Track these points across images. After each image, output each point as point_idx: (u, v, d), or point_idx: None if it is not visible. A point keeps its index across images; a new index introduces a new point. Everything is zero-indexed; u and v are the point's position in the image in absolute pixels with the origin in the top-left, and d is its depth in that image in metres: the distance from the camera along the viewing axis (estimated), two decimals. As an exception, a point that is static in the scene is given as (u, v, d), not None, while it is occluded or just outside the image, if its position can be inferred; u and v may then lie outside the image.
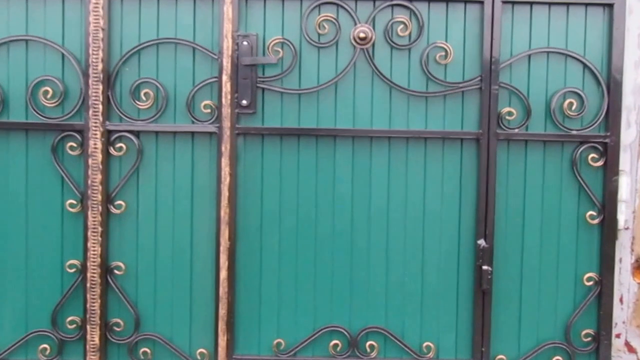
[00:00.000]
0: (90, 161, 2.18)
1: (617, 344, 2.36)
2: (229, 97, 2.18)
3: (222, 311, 2.22)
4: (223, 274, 2.22)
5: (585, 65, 2.21)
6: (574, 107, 2.20)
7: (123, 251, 2.25)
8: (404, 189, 2.25)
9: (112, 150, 2.21)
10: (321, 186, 2.25)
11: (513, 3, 2.18)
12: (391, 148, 2.24)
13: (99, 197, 2.19)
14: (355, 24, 2.18)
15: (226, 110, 2.19)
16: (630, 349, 2.34)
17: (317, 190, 2.25)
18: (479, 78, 2.19)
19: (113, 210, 2.22)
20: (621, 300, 2.33)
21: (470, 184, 2.24)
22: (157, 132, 2.22)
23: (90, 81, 2.17)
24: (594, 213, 2.24)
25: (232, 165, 2.20)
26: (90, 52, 2.16)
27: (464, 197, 2.25)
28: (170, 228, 2.25)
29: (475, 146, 2.23)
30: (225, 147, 2.20)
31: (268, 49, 2.19)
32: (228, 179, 2.20)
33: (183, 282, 2.26)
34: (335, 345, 2.24)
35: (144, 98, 2.20)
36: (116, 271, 2.24)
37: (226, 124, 2.19)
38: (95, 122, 2.19)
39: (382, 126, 2.22)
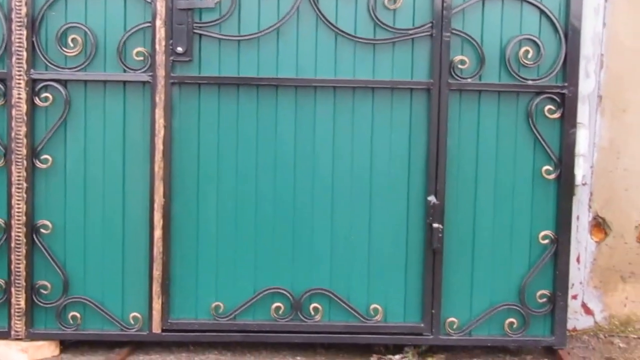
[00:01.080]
0: (14, 112, 2.13)
1: (573, 305, 2.39)
2: (163, 43, 2.15)
3: (157, 272, 2.19)
4: (157, 233, 2.19)
5: (542, 12, 2.18)
6: (530, 56, 2.18)
7: (50, 209, 2.21)
8: (350, 142, 2.23)
9: (37, 101, 2.15)
10: (262, 140, 2.22)
11: None
12: (336, 99, 2.21)
13: (24, 151, 2.14)
14: None
15: (160, 58, 2.15)
16: (587, 311, 2.37)
17: (257, 144, 2.22)
18: (430, 24, 2.17)
19: (39, 165, 2.17)
20: (578, 260, 2.35)
21: (420, 137, 2.22)
22: (85, 82, 2.17)
23: (13, 26, 2.11)
24: (550, 168, 2.23)
25: (166, 117, 2.17)
26: (13, -7, 2.10)
27: (413, 151, 2.23)
28: (100, 184, 2.21)
29: (426, 97, 2.20)
30: (160, 98, 2.16)
31: None
32: (162, 132, 2.17)
33: (115, 242, 2.22)
34: (278, 308, 2.22)
35: (71, 44, 2.15)
36: (43, 230, 2.20)
37: (160, 72, 2.15)
38: (19, 71, 2.13)
39: (327, 75, 2.19)
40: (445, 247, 2.23)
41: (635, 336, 2.35)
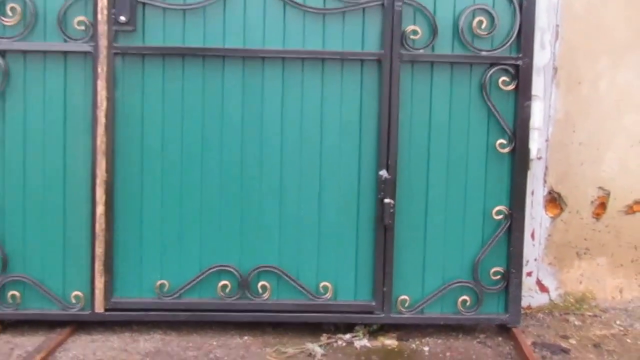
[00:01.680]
0: None
1: (528, 282, 2.40)
2: (105, 12, 2.12)
3: (99, 250, 2.17)
4: (100, 209, 2.17)
5: None
6: (483, 26, 2.19)
7: None
8: (299, 115, 2.23)
9: None
10: (208, 112, 2.22)
11: None
12: (285, 70, 2.21)
13: None
14: None
15: (102, 28, 2.13)
16: (542, 288, 2.37)
17: (204, 116, 2.21)
18: None
19: None
20: (532, 236, 2.36)
21: (371, 109, 2.22)
22: (25, 52, 2.15)
23: None
24: (505, 141, 2.24)
25: (109, 89, 2.15)
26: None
27: (364, 123, 2.23)
28: (40, 159, 2.19)
29: (377, 68, 2.20)
30: (102, 69, 2.14)
31: None
32: (105, 104, 2.15)
33: (55, 219, 2.21)
34: (224, 286, 2.21)
35: (9, 13, 2.13)
36: None
37: (102, 42, 2.13)
38: None
39: (276, 46, 2.19)
40: (397, 223, 2.22)
41: (591, 314, 2.35)
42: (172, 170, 2.22)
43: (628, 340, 2.22)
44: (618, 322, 2.31)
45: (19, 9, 2.11)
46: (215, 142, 2.22)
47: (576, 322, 2.32)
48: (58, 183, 2.19)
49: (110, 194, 2.18)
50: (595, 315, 2.35)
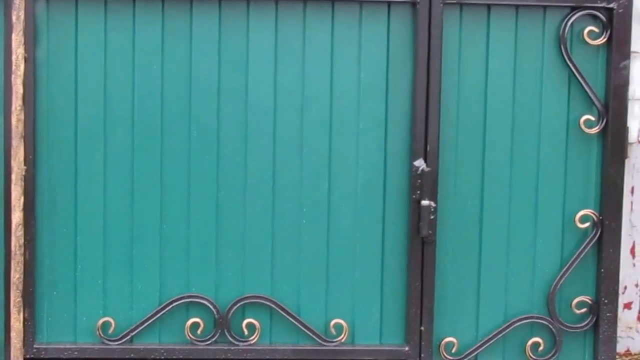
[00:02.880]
0: None
1: (626, 318, 2.14)
2: None
3: (16, 275, 1.86)
4: (16, 216, 1.86)
5: None
6: None
7: None
8: (299, 79, 1.91)
9: None
10: (170, 75, 1.89)
11: None
12: (279, 14, 1.89)
13: None
14: None
15: None
16: None
17: (163, 81, 1.89)
18: None
19: None
20: (632, 252, 2.14)
21: (402, 72, 1.91)
22: None
23: None
24: (592, 117, 1.95)
25: (28, 45, 1.84)
26: None
27: (392, 93, 1.91)
28: None
29: (411, 14, 1.90)
30: (18, 16, 1.82)
31: None
32: (22, 67, 1.83)
33: None
34: (195, 325, 1.89)
35: None
36: None
37: None
38: None
39: None
40: (440, 235, 1.93)
41: None
42: (119, 158, 1.91)
43: None
44: None
45: None
46: (180, 118, 1.92)
47: (693, 374, 1.92)
48: None
49: (31, 195, 1.88)
50: None
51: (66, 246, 1.92)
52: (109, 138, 1.91)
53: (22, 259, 1.86)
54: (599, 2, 1.92)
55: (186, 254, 1.93)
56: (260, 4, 1.89)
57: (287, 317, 1.90)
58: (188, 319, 1.90)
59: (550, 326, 1.96)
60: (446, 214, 1.94)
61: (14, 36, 1.81)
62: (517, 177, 1.96)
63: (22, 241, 1.86)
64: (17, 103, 1.85)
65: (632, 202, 2.11)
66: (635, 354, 2.16)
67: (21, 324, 1.86)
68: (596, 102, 1.93)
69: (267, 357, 1.91)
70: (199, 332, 1.88)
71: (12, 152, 1.83)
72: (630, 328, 2.14)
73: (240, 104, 1.92)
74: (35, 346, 1.89)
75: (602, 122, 1.94)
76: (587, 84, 1.95)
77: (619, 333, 2.01)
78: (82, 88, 1.90)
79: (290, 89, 1.94)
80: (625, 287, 2.14)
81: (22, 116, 1.84)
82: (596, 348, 1.99)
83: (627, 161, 2.02)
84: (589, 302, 1.98)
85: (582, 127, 1.94)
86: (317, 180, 1.94)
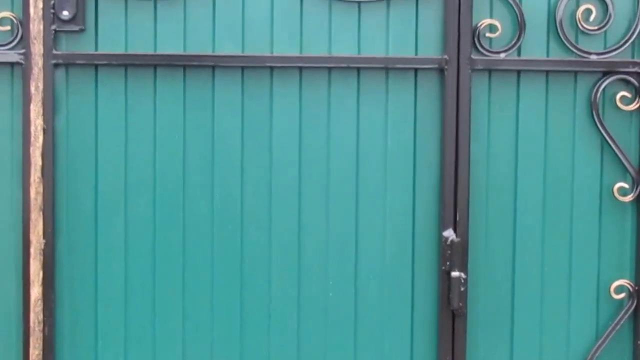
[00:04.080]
0: None
1: None
2: (41, 6, 1.89)
3: (35, 352, 1.89)
4: (35, 291, 1.89)
5: None
6: (592, 18, 1.94)
7: None
8: (324, 149, 1.96)
9: None
10: (192, 146, 1.95)
11: None
12: (303, 84, 1.95)
13: None
14: None
15: (36, 27, 1.89)
16: None
17: (185, 152, 1.95)
18: None
19: None
20: None
21: (430, 140, 1.96)
22: None
23: None
24: (626, 185, 1.99)
25: (47, 116, 1.90)
26: None
27: (420, 162, 1.97)
28: None
29: (439, 80, 1.95)
30: (37, 87, 1.89)
31: None
32: (41, 139, 1.90)
33: None
34: None
35: None
36: None
37: (37, 49, 1.89)
38: None
39: (289, 50, 1.94)
40: (471, 307, 1.94)
41: None
42: (140, 230, 1.96)
43: None
44: None
45: None
46: (202, 189, 1.95)
47: None
48: None
49: (50, 269, 1.91)
50: None
51: (87, 322, 1.96)
52: (129, 210, 1.96)
53: (42, 335, 1.90)
54: (630, 67, 1.95)
55: (210, 329, 1.94)
56: (284, 72, 1.93)
57: (315, 394, 1.91)
58: (212, 398, 1.90)
59: (587, 400, 1.95)
60: (477, 285, 1.95)
61: (32, 107, 1.87)
62: (550, 246, 1.99)
63: (41, 317, 1.89)
64: (35, 175, 1.90)
65: None
66: None
67: (40, 402, 1.89)
68: (630, 169, 1.97)
69: None
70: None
71: (31, 225, 1.88)
72: (668, 401, 2.06)
73: (264, 173, 1.96)
74: None
75: (636, 190, 1.98)
76: (620, 150, 1.97)
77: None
78: (103, 159, 1.95)
79: (315, 157, 1.98)
80: (665, 360, 2.07)
81: (40, 188, 1.89)
82: (635, 420, 1.96)
83: None
84: (626, 375, 1.96)
85: (616, 194, 1.97)
86: (344, 251, 1.97)
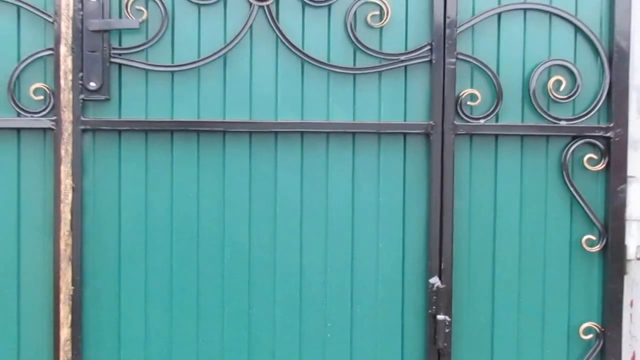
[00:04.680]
0: None
1: None
2: (70, 77, 2.04)
3: None
4: (65, 333, 2.05)
5: (577, 28, 2.12)
6: (562, 88, 2.10)
7: None
8: (323, 206, 2.12)
9: None
10: (205, 204, 2.10)
11: None
12: (305, 148, 2.11)
13: None
14: None
15: (66, 97, 2.03)
16: None
17: (199, 209, 2.10)
18: (429, 47, 2.08)
19: None
20: None
21: (418, 197, 2.12)
22: None
23: None
24: (593, 237, 2.15)
25: (76, 176, 2.05)
26: None
27: (409, 217, 2.13)
28: None
29: (425, 144, 2.11)
30: (66, 150, 2.04)
31: (126, 7, 2.05)
32: (70, 196, 2.05)
33: (8, 346, 2.07)
34: None
35: None
36: None
37: (67, 116, 2.04)
38: None
39: (292, 117, 2.09)
40: (454, 347, 2.11)
41: None
42: (159, 278, 2.10)
43: None
44: None
45: None
46: (214, 243, 2.10)
47: None
48: (10, 299, 2.07)
49: (78, 313, 2.06)
50: None
51: (109, 358, 2.10)
52: (149, 259, 2.09)
53: (71, 315, 2.04)
54: (597, 131, 2.11)
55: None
56: (287, 136, 2.08)
57: None
58: None
59: None
60: (460, 327, 2.11)
61: (62, 168, 2.02)
62: (525, 292, 2.14)
63: (69, 355, 2.04)
64: (65, 229, 2.05)
65: (631, 315, 2.21)
66: None
67: None
68: (596, 223, 2.12)
69: None
70: None
71: (61, 274, 2.02)
72: None
73: (269, 225, 2.09)
74: None
75: (602, 242, 2.13)
76: (587, 206, 2.13)
77: None
78: (125, 214, 2.09)
79: (315, 212, 2.11)
80: (628, 395, 2.25)
81: (69, 241, 2.04)
82: None
83: (626, 277, 2.15)
84: (594, 409, 2.14)
85: (584, 246, 2.12)
86: (341, 297, 2.11)
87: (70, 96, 2.02)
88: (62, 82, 2.01)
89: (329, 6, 2.05)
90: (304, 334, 2.13)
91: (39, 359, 2.07)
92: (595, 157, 2.13)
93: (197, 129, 2.06)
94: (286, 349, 2.12)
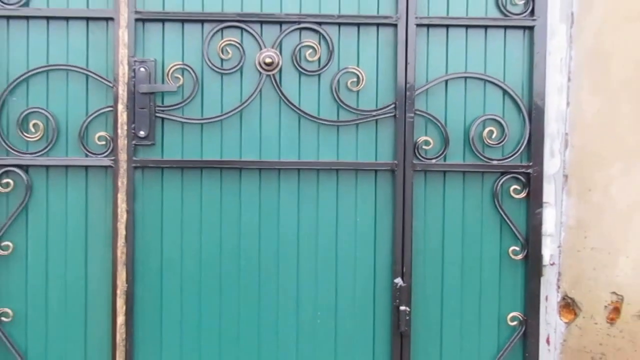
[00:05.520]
0: None
1: None
2: (125, 127, 2.34)
3: (119, 357, 2.37)
4: (120, 319, 2.37)
5: (505, 91, 2.41)
6: (494, 136, 2.40)
7: (11, 296, 2.40)
8: (314, 224, 2.43)
9: None
10: (226, 223, 2.41)
11: (428, 26, 2.40)
12: (301, 180, 2.41)
13: None
14: (261, 48, 2.37)
15: (122, 142, 2.35)
16: None
17: (221, 227, 2.41)
18: (393, 105, 2.38)
19: (0, 252, 2.37)
20: (548, 341, 2.52)
21: (385, 218, 2.42)
22: (47, 167, 2.37)
23: None
24: (517, 248, 2.43)
25: (129, 202, 2.36)
26: (-27, 80, 2.32)
27: (379, 232, 2.43)
28: (62, 270, 2.40)
29: (391, 178, 2.41)
30: (122, 182, 2.36)
31: (167, 75, 2.36)
32: (125, 217, 2.36)
33: (76, 329, 2.41)
34: None
35: (32, 129, 2.35)
36: (3, 318, 2.40)
37: (122, 156, 2.35)
38: None
39: (291, 157, 2.40)
40: (413, 330, 2.41)
41: None
42: (191, 279, 2.42)
43: None
44: None
45: (41, 125, 2.34)
46: (232, 252, 2.41)
47: None
48: (79, 293, 2.40)
49: (130, 304, 2.37)
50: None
51: (153, 339, 2.42)
52: (183, 265, 2.40)
53: (124, 349, 2.37)
54: (520, 169, 2.39)
55: (237, 344, 2.42)
56: (287, 174, 2.40)
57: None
58: None
59: (491, 394, 2.45)
60: (417, 316, 2.41)
61: (119, 195, 2.34)
62: (466, 289, 2.44)
63: (124, 336, 2.36)
64: (120, 241, 2.35)
65: (546, 307, 2.49)
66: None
67: (123, 397, 2.38)
68: (520, 238, 2.42)
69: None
70: None
71: (117, 275, 2.35)
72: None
73: (274, 241, 2.42)
74: None
75: (524, 252, 2.42)
76: (513, 225, 2.41)
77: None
78: (165, 231, 2.40)
79: (308, 230, 2.43)
80: (543, 367, 2.49)
81: (124, 250, 2.34)
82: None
83: (542, 278, 2.45)
84: (517, 378, 2.44)
85: (511, 255, 2.43)
86: (327, 292, 2.43)
87: (125, 142, 2.32)
88: (119, 131, 2.32)
89: (319, 75, 2.38)
90: (300, 319, 2.43)
91: (101, 339, 2.38)
92: (518, 187, 2.40)
93: (219, 167, 2.36)
94: (286, 330, 2.43)
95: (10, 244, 2.39)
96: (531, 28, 2.41)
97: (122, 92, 2.34)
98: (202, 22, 2.38)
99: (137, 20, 2.36)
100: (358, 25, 2.40)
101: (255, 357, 2.44)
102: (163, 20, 2.38)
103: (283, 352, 2.45)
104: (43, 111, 2.37)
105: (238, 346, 2.44)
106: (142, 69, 2.35)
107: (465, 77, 2.43)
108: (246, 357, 2.44)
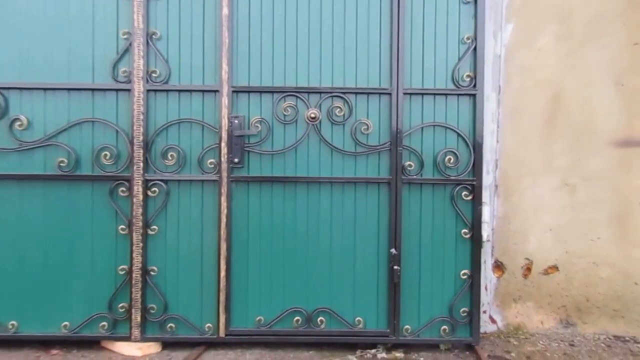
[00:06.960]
0: (134, 200, 3.54)
1: (483, 317, 3.67)
2: (226, 156, 3.42)
3: (222, 297, 3.50)
4: (222, 273, 3.50)
5: (458, 134, 3.47)
6: (452, 161, 3.44)
7: (157, 259, 3.51)
8: (340, 217, 3.52)
9: (149, 193, 3.50)
10: (287, 216, 3.52)
11: (410, 94, 3.63)
12: (333, 189, 3.49)
13: (140, 223, 3.52)
14: (308, 108, 3.47)
15: (224, 165, 3.43)
16: (492, 321, 3.67)
17: (284, 218, 3.52)
18: (389, 142, 3.47)
19: (149, 232, 3.52)
20: (486, 288, 3.66)
21: (385, 213, 3.49)
22: (178, 181, 3.47)
23: (134, 147, 3.50)
24: (467, 230, 3.44)
25: (228, 202, 3.43)
26: (134, 128, 3.51)
27: (381, 221, 3.50)
28: (187, 243, 3.51)
29: (388, 188, 3.44)
30: (224, 190, 3.47)
31: (251, 124, 3.44)
32: (225, 211, 3.48)
33: (196, 279, 3.51)
34: (297, 320, 3.52)
35: (169, 157, 3.45)
36: (151, 272, 3.52)
37: (224, 174, 3.44)
38: (138, 174, 3.52)
39: (326, 174, 3.46)
40: (402, 282, 3.44)
41: (524, 337, 3.67)
42: (266, 248, 3.48)
43: (548, 354, 3.60)
44: (541, 342, 3.65)
45: (175, 155, 3.55)
46: (291, 232, 3.50)
47: (514, 342, 3.58)
48: (197, 257, 3.52)
49: (228, 263, 3.45)
50: (527, 338, 3.61)
51: (242, 285, 3.48)
52: (261, 239, 3.52)
53: (225, 291, 3.52)
54: (468, 182, 3.42)
55: (293, 288, 3.51)
56: (325, 184, 3.44)
57: (337, 316, 3.59)
58: (294, 317, 3.51)
59: (451, 321, 3.50)
60: (404, 273, 3.46)
61: (222, 198, 3.60)
62: (435, 256, 3.45)
63: (224, 283, 3.51)
64: (223, 226, 3.63)
65: (485, 267, 3.48)
66: (487, 333, 3.51)
67: (224, 319, 3.52)
68: (468, 224, 3.41)
69: (328, 334, 3.48)
70: (299, 323, 3.54)
71: (221, 246, 3.63)
72: (485, 322, 3.47)
73: (315, 225, 3.58)
74: (230, 329, 3.46)
75: (471, 232, 3.39)
76: (464, 216, 3.41)
77: (480, 324, 3.48)
78: (250, 219, 3.55)
79: (336, 225, 3.50)
80: (483, 304, 3.52)
81: (225, 230, 3.61)
82: (471, 331, 3.47)
83: (482, 250, 3.40)
84: (467, 311, 3.45)
85: (462, 235, 3.41)
86: (349, 260, 3.52)
87: (226, 165, 3.43)
88: (222, 158, 3.45)
89: (344, 124, 3.47)
90: (332, 272, 3.49)
91: (211, 285, 3.43)
92: (467, 193, 3.40)
93: (283, 180, 3.41)
94: (323, 278, 3.46)
95: (156, 227, 3.56)
96: (474, 95, 3.57)
97: (224, 134, 3.46)
98: (272, 92, 3.54)
99: (233, 91, 3.53)
100: (368, 93, 3.63)
101: (304, 296, 3.62)
102: (249, 92, 3.55)
103: (322, 293, 3.54)
104: (176, 146, 3.49)
105: (294, 289, 3.58)
106: (236, 121, 3.47)
107: (434, 125, 3.50)
108: (299, 295, 3.64)
